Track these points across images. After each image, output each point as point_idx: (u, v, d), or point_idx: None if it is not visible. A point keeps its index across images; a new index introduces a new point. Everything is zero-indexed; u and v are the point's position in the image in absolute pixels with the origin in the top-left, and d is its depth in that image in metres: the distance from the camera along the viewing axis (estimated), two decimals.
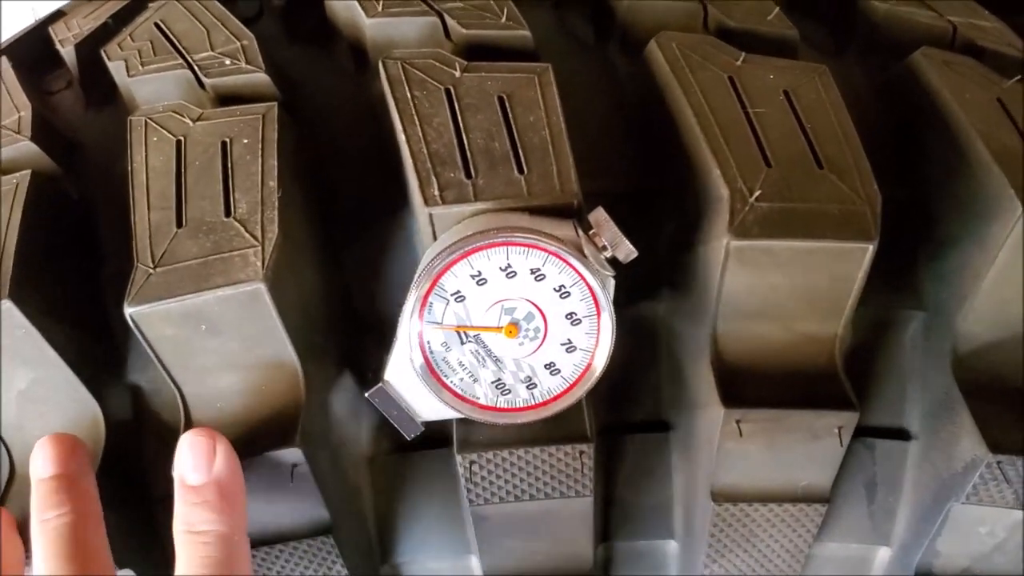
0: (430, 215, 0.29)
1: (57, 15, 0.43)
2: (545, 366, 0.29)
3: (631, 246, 0.28)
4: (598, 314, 0.28)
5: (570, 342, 0.29)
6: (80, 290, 0.33)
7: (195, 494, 0.28)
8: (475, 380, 0.29)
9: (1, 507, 0.31)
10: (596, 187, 0.30)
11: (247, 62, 0.34)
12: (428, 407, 0.30)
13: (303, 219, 0.32)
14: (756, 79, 0.32)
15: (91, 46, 0.38)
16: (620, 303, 0.29)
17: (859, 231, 0.29)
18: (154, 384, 0.33)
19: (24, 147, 0.34)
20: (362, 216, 0.34)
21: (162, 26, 0.36)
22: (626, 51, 0.36)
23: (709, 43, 0.33)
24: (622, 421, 0.34)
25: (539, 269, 0.28)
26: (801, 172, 0.29)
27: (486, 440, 0.30)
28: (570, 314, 0.28)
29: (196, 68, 0.34)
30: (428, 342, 0.28)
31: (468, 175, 0.29)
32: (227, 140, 0.31)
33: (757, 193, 0.29)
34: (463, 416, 0.29)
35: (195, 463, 0.28)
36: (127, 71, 0.35)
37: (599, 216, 0.28)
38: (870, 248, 0.28)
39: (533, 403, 0.29)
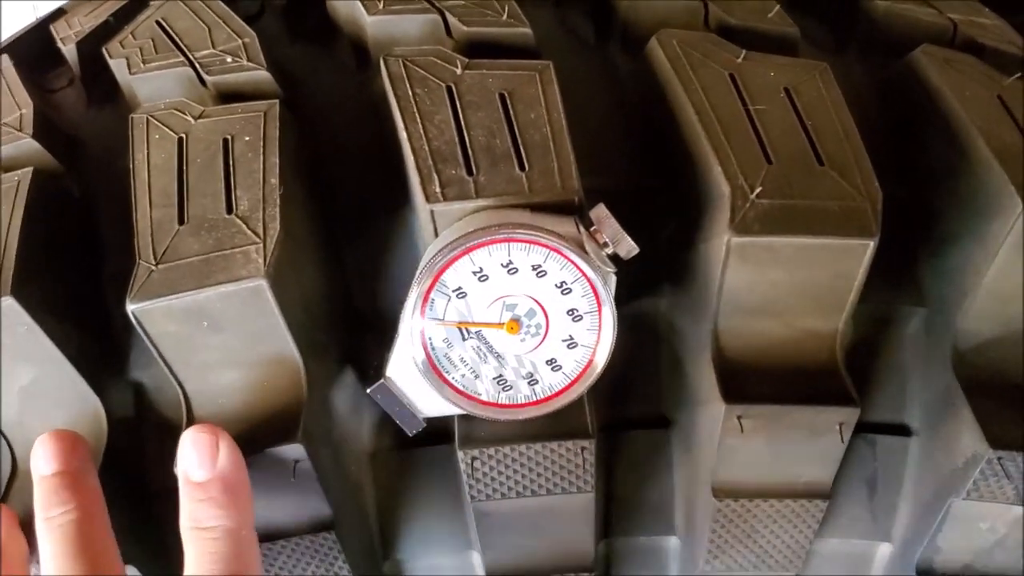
0: (431, 212, 0.29)
1: (58, 13, 0.43)
2: (547, 362, 0.29)
3: (632, 242, 0.28)
4: (599, 310, 0.28)
5: (571, 338, 0.29)
6: (82, 287, 0.33)
7: (200, 490, 0.28)
8: (477, 376, 0.29)
9: (3, 504, 0.31)
10: (596, 184, 0.30)
11: (248, 60, 0.34)
12: (430, 403, 0.30)
13: (304, 217, 0.32)
14: (757, 76, 0.32)
15: (92, 44, 0.38)
16: (621, 300, 0.29)
17: (860, 227, 0.29)
18: (156, 381, 0.33)
19: (26, 144, 0.34)
20: (363, 214, 0.34)
21: (163, 24, 0.37)
22: (627, 49, 0.36)
23: (710, 41, 0.33)
24: (623, 417, 0.34)
25: (540, 265, 0.28)
26: (802, 169, 0.30)
27: (488, 436, 0.30)
28: (571, 310, 0.28)
29: (197, 66, 0.34)
30: (430, 338, 0.29)
31: (469, 172, 0.29)
32: (229, 137, 0.31)
33: (758, 190, 0.29)
34: (465, 412, 0.29)
35: (199, 460, 0.28)
36: (129, 69, 0.35)
37: (600, 212, 0.28)
38: (871, 244, 0.29)
39: (535, 399, 0.29)
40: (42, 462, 0.30)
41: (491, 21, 0.34)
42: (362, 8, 0.34)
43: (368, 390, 0.29)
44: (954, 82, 0.33)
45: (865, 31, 0.38)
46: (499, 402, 0.29)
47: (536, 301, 0.28)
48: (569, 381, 0.29)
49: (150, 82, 0.35)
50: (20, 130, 0.35)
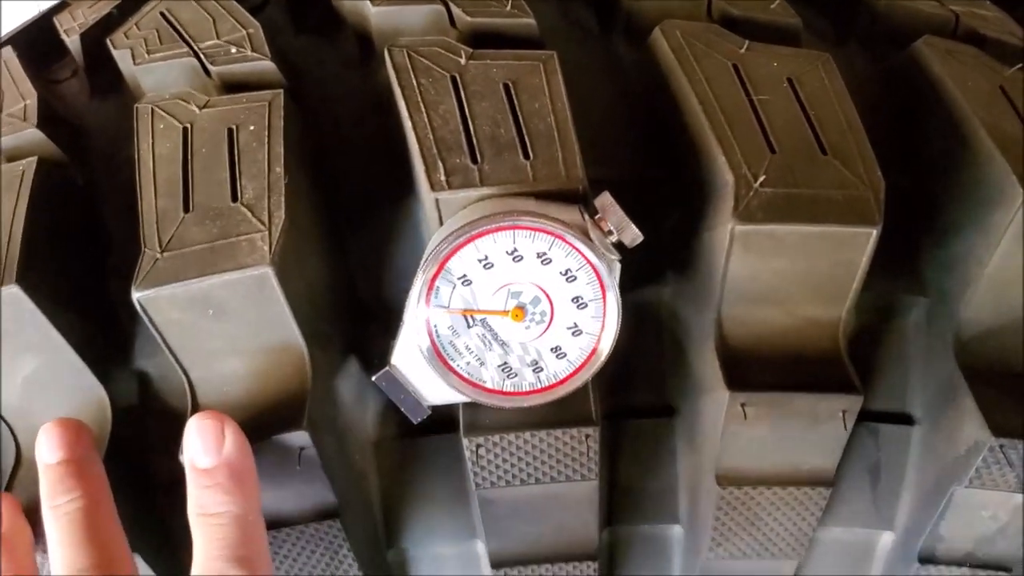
0: (436, 200, 0.29)
1: (61, 5, 0.43)
2: (551, 350, 0.29)
3: (637, 230, 0.28)
4: (604, 298, 0.28)
5: (576, 326, 0.29)
6: (86, 276, 0.33)
7: (207, 477, 0.28)
8: (482, 364, 0.29)
9: (7, 493, 0.32)
10: (599, 175, 0.30)
11: (253, 50, 0.34)
12: (435, 391, 0.30)
13: (308, 206, 0.32)
14: (760, 67, 0.32)
15: (96, 35, 0.38)
16: (625, 289, 0.29)
17: (863, 216, 0.29)
18: (160, 370, 0.33)
19: (30, 135, 0.34)
20: (367, 204, 0.34)
21: (168, 15, 0.37)
22: (630, 40, 0.37)
23: (713, 31, 0.34)
24: (626, 406, 0.34)
25: (545, 253, 0.28)
26: (805, 158, 0.30)
27: (492, 424, 0.30)
28: (576, 298, 0.28)
29: (202, 56, 0.34)
30: (435, 326, 0.29)
31: (474, 160, 0.29)
32: (233, 127, 0.31)
33: (761, 178, 0.29)
34: (469, 400, 0.29)
35: (204, 446, 0.28)
36: (133, 59, 0.35)
37: (605, 201, 0.28)
38: (874, 233, 0.29)
39: (539, 387, 0.29)
40: (47, 450, 0.30)
41: (495, 12, 0.34)
42: None
43: (373, 378, 0.30)
44: (956, 73, 0.33)
45: (867, 23, 0.38)
46: (504, 390, 0.29)
47: (541, 289, 0.28)
48: (574, 368, 0.29)
49: (154, 72, 0.35)
50: (24, 120, 0.35)
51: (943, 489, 0.32)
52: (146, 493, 0.34)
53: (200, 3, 0.37)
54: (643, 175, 0.34)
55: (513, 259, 0.28)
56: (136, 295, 0.28)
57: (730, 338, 0.31)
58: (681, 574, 0.36)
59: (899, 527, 0.34)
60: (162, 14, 0.37)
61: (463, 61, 0.32)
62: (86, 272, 0.34)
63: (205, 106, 0.33)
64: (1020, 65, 0.34)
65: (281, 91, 0.32)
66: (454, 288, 0.28)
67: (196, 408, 0.31)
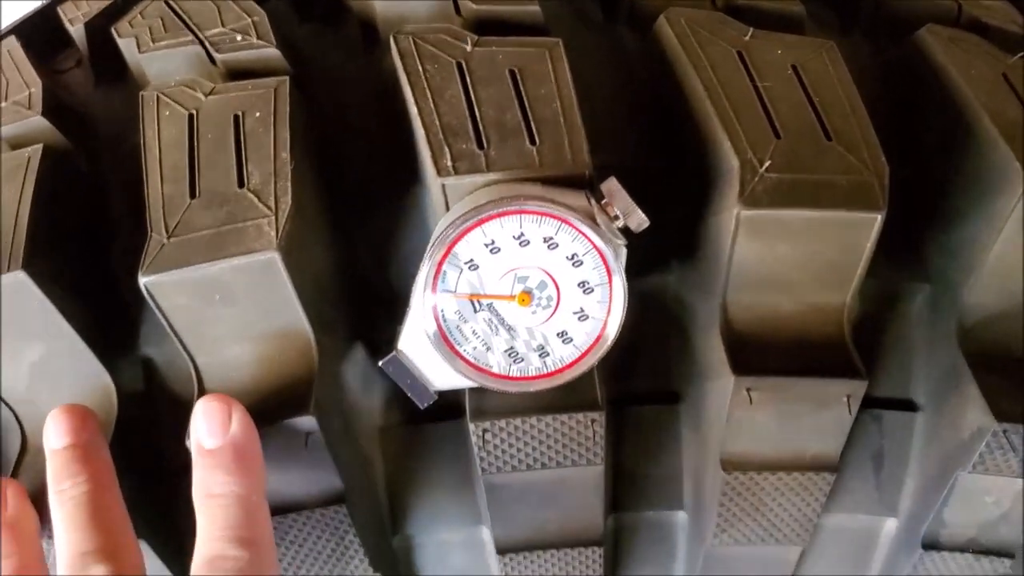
0: (443, 186, 0.29)
1: None
2: (557, 334, 0.29)
3: (643, 215, 0.28)
4: (610, 283, 0.29)
5: (582, 311, 0.29)
6: (92, 263, 0.34)
7: (211, 458, 0.28)
8: (488, 348, 0.29)
9: (13, 479, 0.32)
10: (602, 162, 0.30)
11: (258, 37, 0.34)
12: (441, 376, 0.30)
13: (314, 193, 0.32)
14: (764, 54, 0.32)
15: (100, 24, 0.38)
16: (630, 276, 0.29)
17: (867, 201, 0.29)
18: (166, 356, 0.33)
19: (35, 122, 0.34)
20: (372, 191, 0.34)
21: (172, 4, 0.37)
22: (634, 28, 0.37)
23: (717, 19, 0.34)
24: (631, 393, 0.34)
25: (552, 238, 0.28)
26: (810, 144, 0.30)
27: (499, 408, 0.30)
28: (582, 283, 0.29)
29: (207, 44, 0.34)
30: (442, 310, 0.29)
31: (480, 146, 0.29)
32: (239, 113, 0.31)
33: (767, 164, 0.29)
34: (476, 384, 0.30)
35: (210, 428, 0.28)
36: (138, 48, 0.35)
37: (612, 186, 0.28)
38: (878, 218, 0.29)
39: (545, 371, 0.30)
40: (53, 436, 0.30)
41: None
42: None
43: (380, 363, 0.30)
44: (959, 61, 0.33)
45: (869, 12, 0.38)
46: (510, 374, 0.29)
47: (547, 273, 0.28)
48: (580, 353, 0.29)
49: (159, 61, 0.35)
50: (29, 108, 0.35)
51: (947, 475, 0.32)
52: (152, 480, 0.34)
53: None
54: (646, 163, 0.34)
55: (520, 244, 0.28)
56: (143, 280, 0.28)
57: (735, 323, 0.31)
58: (685, 560, 0.36)
59: (903, 513, 0.34)
60: (166, 2, 0.37)
61: (469, 48, 0.32)
62: (91, 259, 0.34)
63: (211, 93, 0.33)
64: (1023, 53, 0.34)
65: (287, 78, 0.32)
66: (461, 273, 0.28)
67: (203, 394, 0.30)
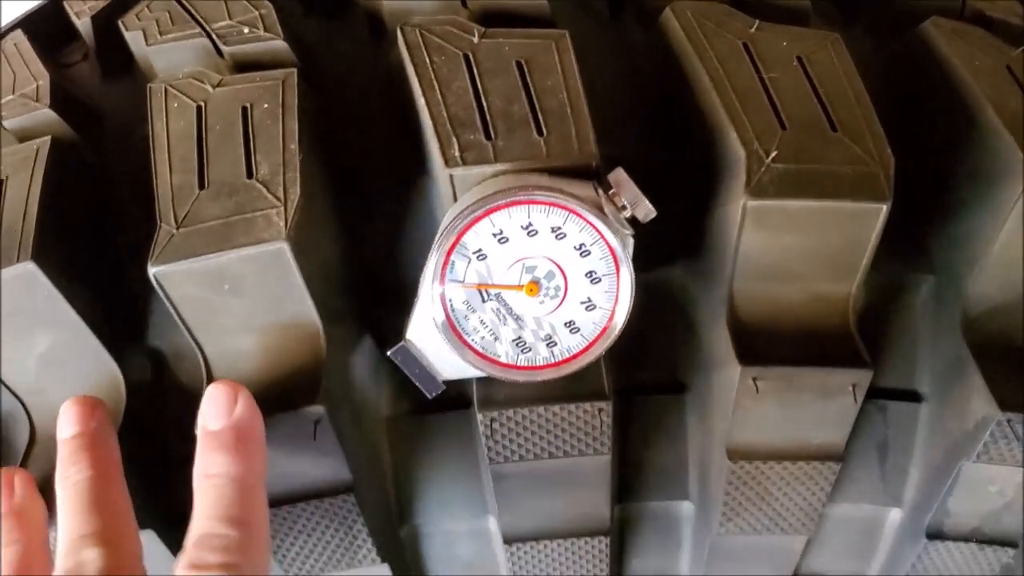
0: (451, 176, 0.29)
1: None
2: (565, 324, 0.29)
3: (650, 205, 0.28)
4: (617, 273, 0.29)
5: (590, 300, 0.29)
6: (100, 255, 0.34)
7: (212, 439, 0.28)
8: (496, 338, 0.29)
9: (22, 468, 0.32)
10: (605, 154, 0.30)
11: (265, 30, 0.34)
12: (449, 365, 0.30)
13: (321, 184, 0.32)
14: (770, 46, 0.32)
15: (107, 17, 0.39)
16: (637, 267, 0.29)
17: (873, 192, 0.29)
18: (174, 348, 0.33)
19: (43, 115, 0.35)
20: (379, 183, 0.35)
21: None
22: (640, 21, 0.37)
23: (723, 11, 0.34)
24: (636, 383, 0.34)
25: (560, 227, 0.28)
26: (816, 135, 0.30)
27: (506, 398, 0.31)
28: (590, 272, 0.29)
29: (214, 37, 0.35)
30: (450, 300, 0.29)
31: (488, 137, 0.30)
32: (247, 105, 0.32)
33: (773, 155, 0.29)
34: (484, 374, 0.30)
35: (215, 411, 0.28)
36: (145, 40, 0.35)
37: (619, 176, 0.28)
38: (884, 208, 0.29)
39: (553, 361, 0.30)
40: (63, 427, 0.30)
41: None
42: None
43: (388, 352, 0.30)
44: (963, 53, 0.33)
45: (873, 5, 0.38)
46: (518, 364, 0.30)
47: (555, 263, 0.29)
48: (587, 343, 0.29)
49: (167, 53, 0.35)
50: (36, 101, 0.35)
51: (951, 464, 0.32)
52: (160, 470, 0.34)
53: None
54: (647, 156, 0.34)
55: (528, 233, 0.28)
56: (152, 270, 0.29)
57: (741, 313, 0.31)
58: (691, 550, 0.36)
59: (907, 503, 0.35)
60: None
61: (476, 39, 0.32)
62: (100, 251, 0.34)
63: (218, 85, 0.33)
64: None
65: (294, 70, 0.32)
66: (469, 263, 0.28)
67: (211, 383, 0.31)
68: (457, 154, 0.29)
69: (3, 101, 0.36)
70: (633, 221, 0.29)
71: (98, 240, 0.34)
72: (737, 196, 0.29)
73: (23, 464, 0.32)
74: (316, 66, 0.36)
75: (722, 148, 0.30)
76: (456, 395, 0.33)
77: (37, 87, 0.36)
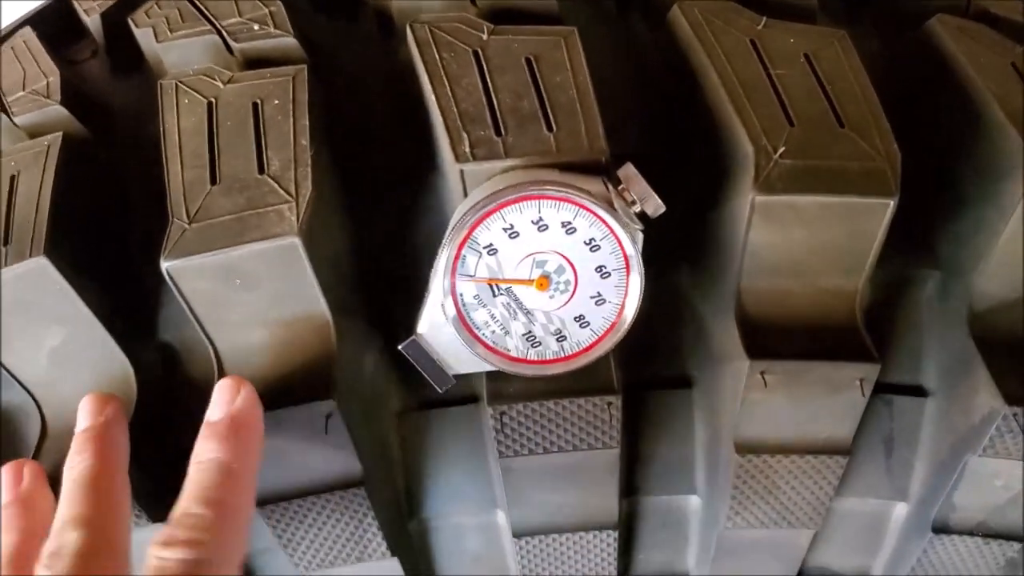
0: (461, 172, 0.29)
1: None
2: (575, 319, 0.29)
3: (660, 201, 0.29)
4: (627, 268, 0.29)
5: (600, 295, 0.29)
6: (111, 250, 0.34)
7: (209, 428, 0.28)
8: (507, 332, 0.30)
9: (33, 460, 0.32)
10: (612, 151, 0.31)
11: (275, 27, 0.34)
12: (460, 359, 0.30)
13: (331, 180, 0.33)
14: (777, 43, 0.33)
15: (116, 15, 0.39)
16: (645, 262, 0.30)
17: (880, 187, 0.29)
18: (184, 343, 0.34)
19: (54, 111, 0.35)
20: (388, 179, 0.35)
21: None
22: (647, 18, 0.37)
23: (731, 9, 0.34)
24: (643, 378, 0.34)
25: (570, 222, 0.28)
26: (823, 131, 0.30)
27: (516, 392, 0.31)
28: (600, 267, 0.29)
29: (224, 33, 0.35)
30: (461, 295, 0.29)
31: (498, 133, 0.30)
32: (258, 101, 0.32)
33: (781, 150, 0.29)
34: (494, 368, 0.30)
35: (217, 404, 0.29)
36: (156, 37, 0.36)
37: (629, 171, 0.29)
38: (891, 204, 0.29)
39: (563, 355, 0.30)
40: (79, 421, 0.30)
41: None
42: None
43: (400, 346, 0.30)
44: (969, 50, 0.33)
45: (879, 2, 0.39)
46: (528, 358, 0.30)
47: (565, 258, 0.29)
48: (597, 337, 0.30)
49: (177, 50, 0.35)
50: (47, 97, 0.35)
51: (957, 459, 0.33)
52: (170, 464, 0.34)
53: None
54: (651, 151, 0.34)
55: (538, 229, 0.28)
56: (165, 265, 0.29)
57: (749, 308, 0.31)
58: (698, 544, 0.36)
59: (913, 497, 0.35)
60: None
61: (485, 36, 0.32)
62: (110, 246, 0.34)
63: (229, 82, 0.33)
64: None
65: (304, 66, 0.33)
66: (480, 257, 0.29)
67: (222, 377, 0.31)
68: (468, 150, 0.29)
69: (14, 97, 0.36)
70: (643, 216, 0.29)
71: (109, 235, 0.34)
72: (745, 192, 0.29)
73: (35, 457, 0.33)
74: (325, 62, 0.36)
75: (730, 144, 0.31)
76: (464, 390, 0.33)
77: (48, 83, 0.36)
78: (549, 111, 0.30)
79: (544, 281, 0.29)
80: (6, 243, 0.30)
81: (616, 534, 0.35)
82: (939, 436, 0.34)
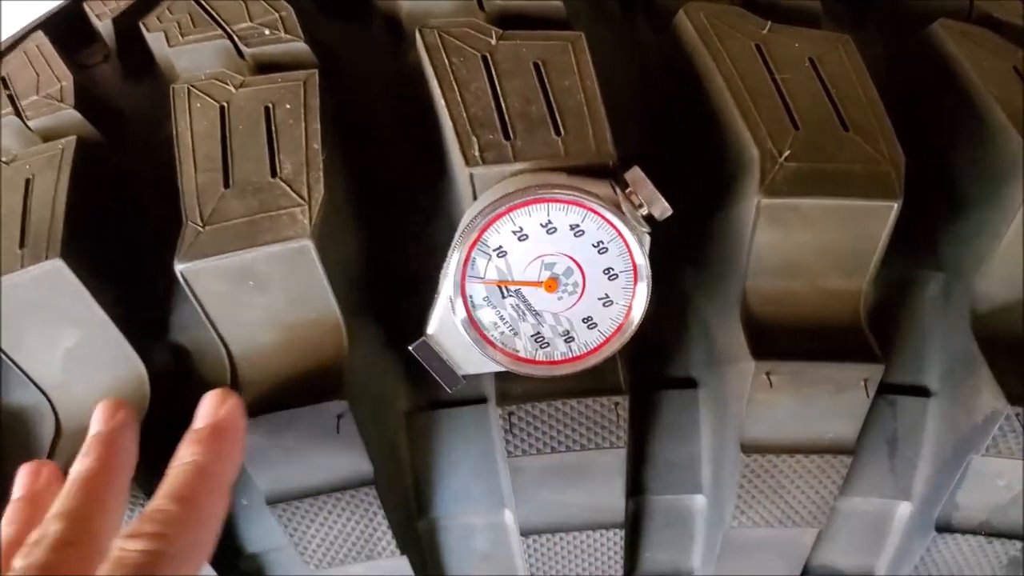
0: (471, 175, 0.30)
1: None
2: (583, 320, 0.30)
3: (666, 204, 0.29)
4: (634, 269, 0.29)
5: (607, 296, 0.30)
6: (124, 252, 0.34)
7: (190, 435, 0.29)
8: (515, 334, 0.30)
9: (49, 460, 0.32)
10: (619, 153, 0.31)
11: (286, 32, 0.35)
12: (470, 360, 0.30)
13: (341, 184, 0.33)
14: (782, 47, 0.33)
15: (127, 19, 0.39)
16: (653, 264, 0.30)
17: (884, 190, 0.30)
18: (198, 343, 0.34)
19: (67, 115, 0.35)
20: (397, 183, 0.35)
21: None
22: (651, 22, 0.37)
23: (736, 13, 0.34)
24: (651, 378, 0.35)
25: (578, 225, 0.29)
26: (828, 134, 0.31)
27: (524, 393, 0.31)
28: (607, 269, 0.29)
29: (236, 38, 0.35)
30: (471, 296, 0.29)
31: (507, 137, 0.30)
32: (270, 105, 0.32)
33: (786, 154, 0.30)
34: (503, 369, 0.30)
35: (202, 413, 0.29)
36: (167, 42, 0.36)
37: (636, 175, 0.29)
38: (895, 206, 0.30)
39: (571, 356, 0.30)
40: (92, 426, 0.30)
41: None
42: None
43: (410, 347, 0.30)
44: (971, 53, 0.34)
45: (882, 7, 0.39)
46: (536, 359, 0.30)
47: (573, 260, 0.29)
48: (604, 338, 0.30)
49: (188, 55, 0.36)
50: (61, 101, 0.36)
51: (960, 458, 0.33)
52: None
53: None
54: (653, 154, 0.35)
55: (547, 231, 0.29)
56: (179, 267, 0.29)
57: (754, 309, 0.32)
58: (704, 543, 0.36)
59: (916, 497, 0.35)
60: None
61: (493, 41, 0.32)
62: (124, 248, 0.34)
63: (241, 86, 0.33)
64: None
65: (315, 71, 0.33)
66: (490, 260, 0.29)
67: (235, 379, 0.31)
68: (477, 153, 0.30)
69: (28, 101, 0.36)
70: (650, 219, 0.29)
71: (122, 238, 0.35)
72: (751, 194, 0.30)
73: (49, 456, 0.33)
74: (335, 66, 0.36)
75: (735, 148, 0.31)
76: (474, 390, 0.33)
77: (61, 88, 0.36)
78: (557, 115, 0.30)
79: (553, 283, 0.29)
80: (22, 245, 0.31)
81: (623, 533, 0.35)
82: (942, 436, 0.34)
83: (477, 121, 0.30)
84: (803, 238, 0.30)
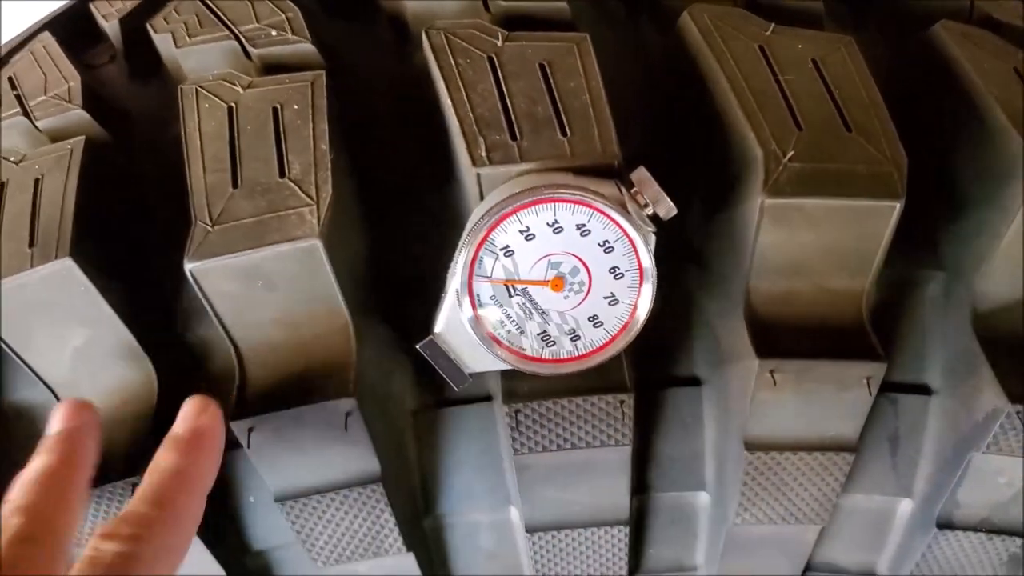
0: (478, 175, 0.30)
1: None
2: (589, 319, 0.30)
3: (671, 203, 0.29)
4: (640, 268, 0.30)
5: (613, 295, 0.30)
6: (132, 251, 0.35)
7: (168, 441, 0.29)
8: (522, 332, 0.30)
9: None
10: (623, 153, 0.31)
11: (293, 33, 0.35)
12: (476, 358, 0.31)
13: (348, 184, 0.33)
14: (785, 48, 0.33)
15: (134, 20, 0.39)
16: (658, 262, 0.30)
17: (887, 190, 0.30)
18: (206, 343, 0.34)
19: (76, 115, 0.35)
20: (403, 183, 0.35)
21: (207, 0, 0.38)
22: (656, 23, 0.38)
23: (739, 14, 0.35)
24: (656, 376, 0.35)
25: (585, 225, 0.29)
26: (831, 135, 0.31)
27: (530, 391, 0.32)
28: (613, 268, 0.30)
29: (243, 39, 0.35)
30: (478, 295, 0.30)
31: (513, 137, 0.30)
32: (278, 106, 0.32)
33: (790, 154, 0.30)
34: (510, 367, 0.31)
35: (183, 418, 0.30)
36: (175, 43, 0.36)
37: (641, 174, 0.29)
38: (897, 206, 0.30)
39: (577, 354, 0.31)
40: (52, 424, 0.30)
41: None
42: None
43: (417, 346, 0.31)
44: (972, 55, 0.34)
45: (884, 9, 0.39)
46: (543, 357, 0.31)
47: (579, 259, 0.29)
48: (610, 337, 0.30)
49: (195, 56, 0.36)
50: (69, 101, 0.36)
51: (961, 456, 0.33)
52: None
53: None
54: (656, 154, 0.35)
55: (553, 231, 0.29)
56: (189, 266, 0.29)
57: (758, 308, 0.32)
58: (707, 540, 0.37)
59: (917, 494, 0.36)
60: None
61: (499, 42, 0.33)
62: (132, 247, 0.35)
63: (248, 87, 0.34)
64: None
65: (323, 72, 0.33)
66: (496, 259, 0.29)
67: (244, 378, 0.32)
68: (484, 154, 0.30)
69: (36, 102, 0.36)
70: (655, 219, 0.30)
71: (130, 237, 0.35)
72: (755, 195, 0.30)
73: None
74: (341, 67, 0.37)
75: (739, 148, 0.31)
76: (480, 388, 0.34)
77: (69, 88, 0.36)
78: (563, 116, 0.31)
79: (559, 282, 0.30)
80: (31, 245, 0.31)
81: (627, 530, 0.35)
82: (943, 434, 0.34)
83: (484, 122, 0.31)
84: (806, 238, 0.31)
